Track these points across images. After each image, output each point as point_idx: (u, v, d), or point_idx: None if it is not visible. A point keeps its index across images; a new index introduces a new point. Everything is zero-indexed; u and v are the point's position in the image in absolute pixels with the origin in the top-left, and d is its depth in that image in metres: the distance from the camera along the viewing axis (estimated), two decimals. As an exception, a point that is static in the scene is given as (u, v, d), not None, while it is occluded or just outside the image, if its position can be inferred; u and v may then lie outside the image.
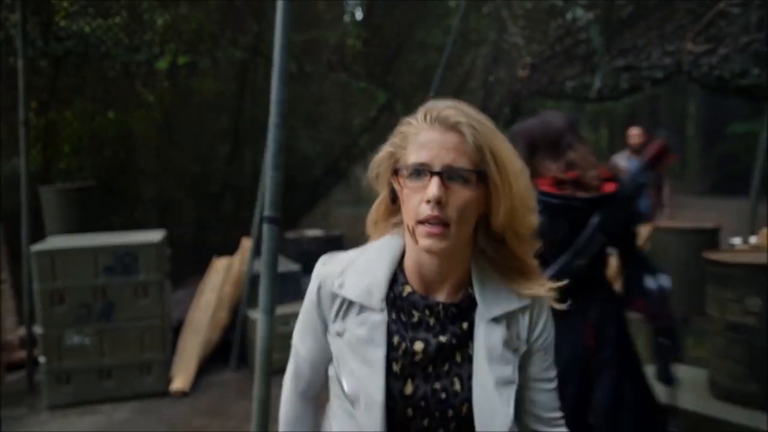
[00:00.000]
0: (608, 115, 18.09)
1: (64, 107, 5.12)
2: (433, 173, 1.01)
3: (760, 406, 2.38)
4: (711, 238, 4.08)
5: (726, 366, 2.52)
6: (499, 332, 1.10)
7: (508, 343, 1.10)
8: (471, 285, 1.12)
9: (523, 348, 1.12)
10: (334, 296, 1.13)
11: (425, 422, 1.09)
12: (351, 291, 1.12)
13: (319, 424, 1.29)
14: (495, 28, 5.94)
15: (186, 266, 5.94)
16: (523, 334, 1.12)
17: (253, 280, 4.95)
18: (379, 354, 1.09)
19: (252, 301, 4.90)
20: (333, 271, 1.15)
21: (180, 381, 4.47)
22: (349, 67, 6.75)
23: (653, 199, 5.90)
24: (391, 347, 1.10)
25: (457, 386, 1.09)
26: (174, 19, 5.24)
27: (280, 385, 1.34)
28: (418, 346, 1.09)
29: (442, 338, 1.09)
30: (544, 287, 1.13)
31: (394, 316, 1.11)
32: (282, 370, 1.33)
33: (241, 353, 4.94)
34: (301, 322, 1.21)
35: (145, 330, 4.43)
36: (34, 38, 4.61)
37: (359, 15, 9.23)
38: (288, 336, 1.29)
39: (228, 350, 4.97)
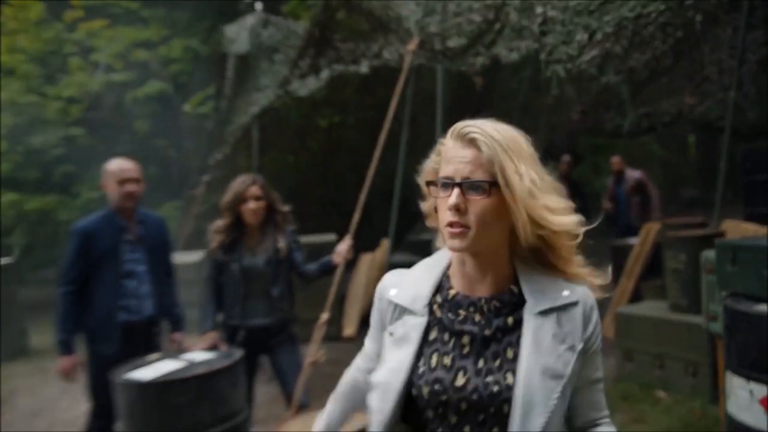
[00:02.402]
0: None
1: (262, 156, 7.80)
2: (454, 185, 1.11)
3: (689, 311, 4.45)
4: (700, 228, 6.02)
5: (673, 292, 4.59)
6: (548, 325, 1.13)
7: (559, 338, 1.12)
8: (515, 282, 1.19)
9: (580, 345, 1.14)
10: (389, 303, 1.27)
11: (480, 418, 1.12)
12: (401, 298, 1.25)
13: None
14: (556, 84, 8.06)
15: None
16: (578, 331, 1.14)
17: (391, 267, 7.29)
18: (410, 350, 1.18)
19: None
20: (390, 282, 1.30)
21: (349, 329, 6.92)
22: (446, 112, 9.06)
23: (639, 213, 7.01)
24: (441, 342, 1.19)
25: (510, 380, 1.11)
26: (329, 92, 7.80)
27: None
28: (465, 339, 1.17)
29: (487, 331, 1.16)
30: (588, 278, 1.19)
31: (442, 316, 1.21)
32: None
33: (383, 316, 7.30)
34: (371, 324, 1.38)
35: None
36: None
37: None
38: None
39: (374, 313, 7.35)
